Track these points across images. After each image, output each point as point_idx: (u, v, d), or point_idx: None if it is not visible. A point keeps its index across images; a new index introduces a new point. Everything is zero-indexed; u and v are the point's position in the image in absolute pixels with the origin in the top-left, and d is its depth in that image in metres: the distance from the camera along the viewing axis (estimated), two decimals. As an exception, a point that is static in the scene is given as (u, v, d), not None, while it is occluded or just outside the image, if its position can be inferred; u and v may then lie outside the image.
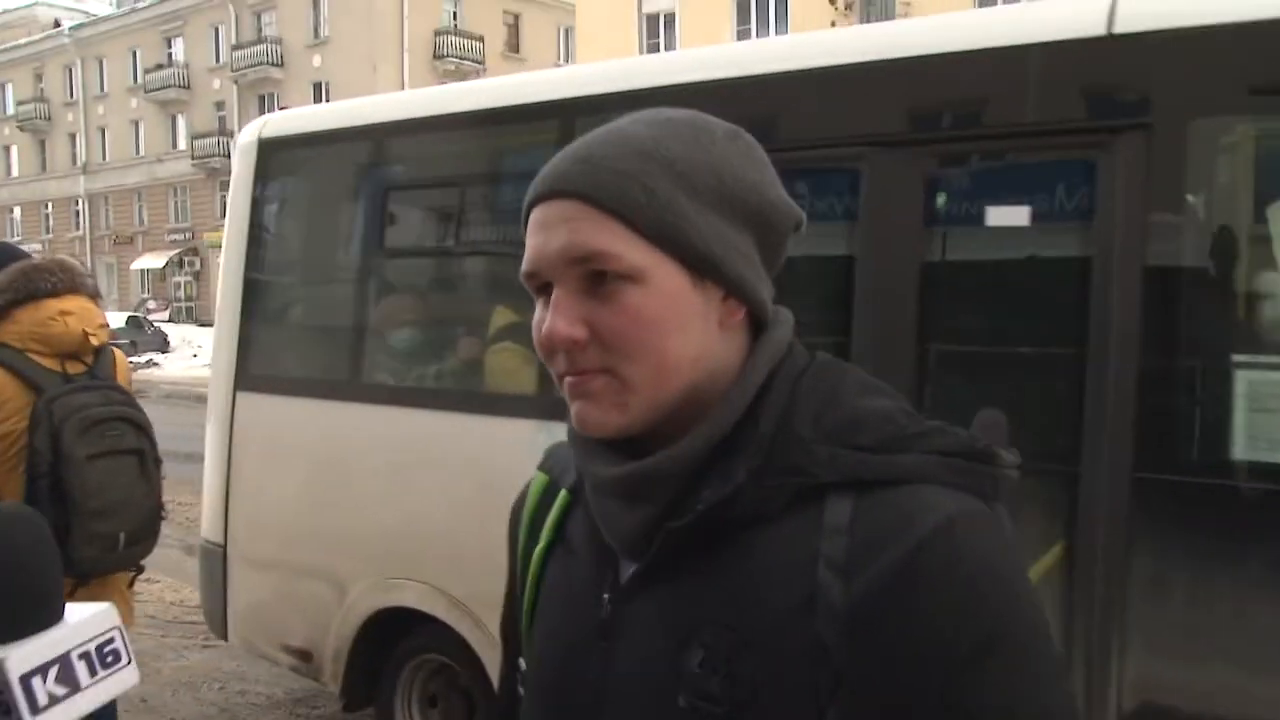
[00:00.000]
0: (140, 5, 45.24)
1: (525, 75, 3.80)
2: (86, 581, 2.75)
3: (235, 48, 40.84)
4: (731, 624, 0.81)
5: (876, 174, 2.83)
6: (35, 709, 0.72)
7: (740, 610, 0.81)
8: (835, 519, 0.80)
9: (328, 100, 38.58)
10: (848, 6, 25.03)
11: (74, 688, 0.74)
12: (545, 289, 0.86)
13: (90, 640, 0.75)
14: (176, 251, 43.57)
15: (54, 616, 0.76)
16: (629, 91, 3.25)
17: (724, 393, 0.86)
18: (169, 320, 38.97)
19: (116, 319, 33.48)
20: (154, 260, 44.24)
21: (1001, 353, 2.82)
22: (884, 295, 2.81)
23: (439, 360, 4.01)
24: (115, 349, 3.01)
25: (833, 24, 24.66)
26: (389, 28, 37.16)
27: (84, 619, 0.78)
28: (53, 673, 0.72)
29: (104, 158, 47.60)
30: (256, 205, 4.28)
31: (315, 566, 4.02)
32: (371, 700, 4.03)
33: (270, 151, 4.28)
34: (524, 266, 0.87)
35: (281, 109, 4.33)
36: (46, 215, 50.77)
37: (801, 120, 2.99)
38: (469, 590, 3.49)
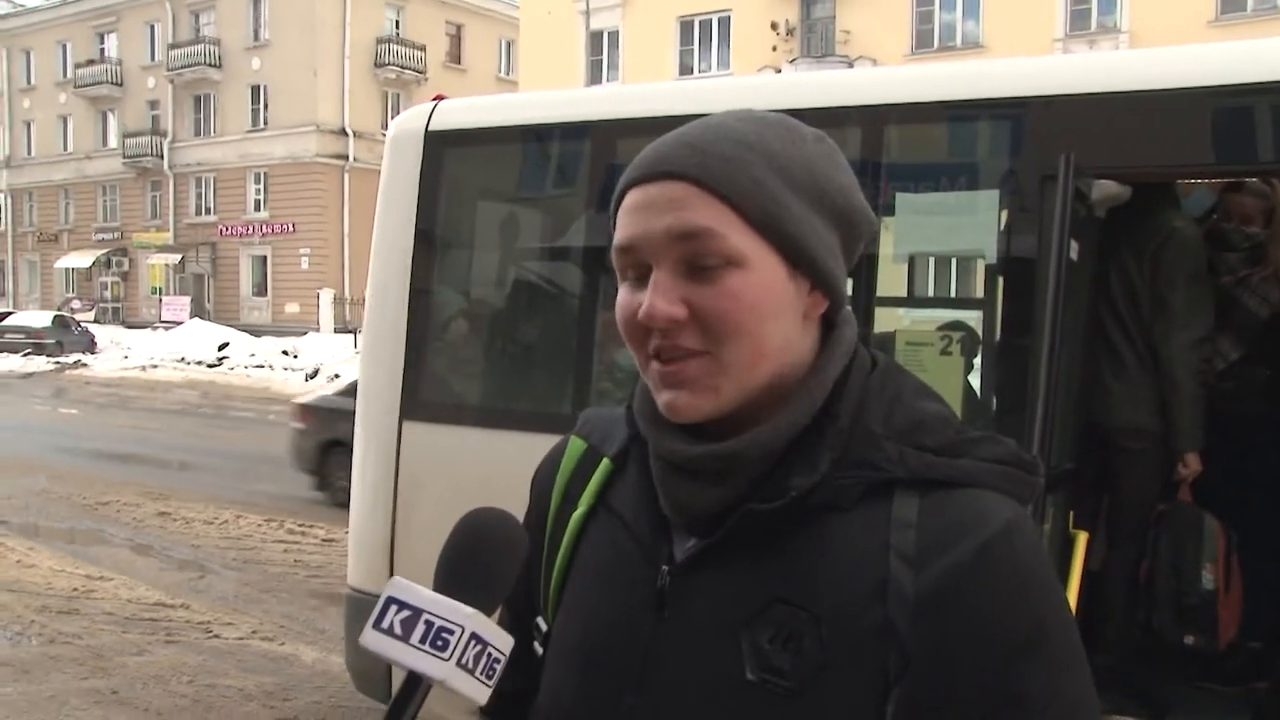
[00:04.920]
0: (71, -1, 44.27)
1: (847, 73, 3.46)
2: None
3: (172, 46, 40.23)
4: (804, 604, 0.86)
5: None
6: (378, 623, 0.81)
7: (813, 592, 0.86)
8: (904, 514, 0.86)
9: (265, 104, 38.18)
10: (789, 32, 25.44)
11: (402, 638, 0.80)
12: (636, 270, 0.89)
13: (475, 632, 0.81)
14: (104, 251, 42.60)
15: (480, 603, 0.83)
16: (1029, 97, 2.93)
17: (801, 383, 0.90)
18: (94, 321, 38.07)
19: (42, 318, 32.56)
20: (80, 259, 43.21)
21: None
22: None
23: None
24: None
25: (774, 49, 25.04)
26: (330, 33, 36.92)
27: (490, 626, 0.84)
28: (406, 615, 0.80)
29: (29, 153, 46.35)
30: (425, 206, 3.83)
31: None
32: None
33: (443, 145, 3.85)
34: (619, 242, 0.89)
35: (440, 98, 4.04)
36: (-34, 209, 49.26)
37: None
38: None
